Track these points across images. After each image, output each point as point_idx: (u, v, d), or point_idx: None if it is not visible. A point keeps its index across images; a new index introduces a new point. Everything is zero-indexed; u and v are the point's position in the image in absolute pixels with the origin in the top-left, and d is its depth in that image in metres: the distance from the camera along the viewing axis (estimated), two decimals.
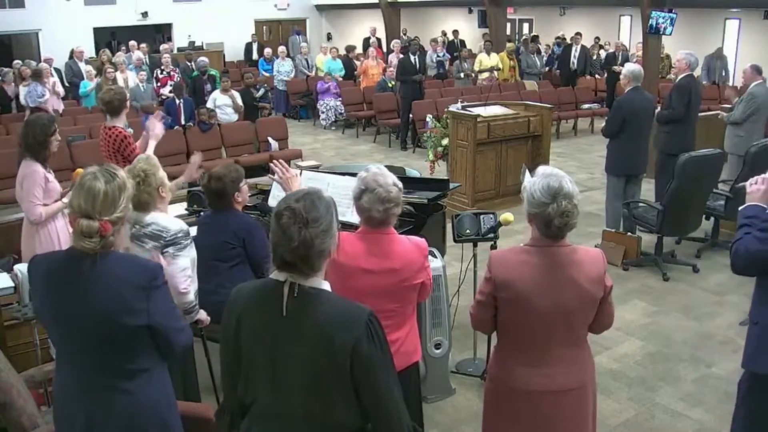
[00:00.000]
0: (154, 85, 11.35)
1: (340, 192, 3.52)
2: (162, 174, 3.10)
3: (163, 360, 2.27)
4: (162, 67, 11.44)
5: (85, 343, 2.12)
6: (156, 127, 4.73)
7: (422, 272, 2.60)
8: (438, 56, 13.56)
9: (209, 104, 9.38)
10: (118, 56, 12.44)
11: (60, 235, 4.08)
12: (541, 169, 2.34)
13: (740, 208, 2.77)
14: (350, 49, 14.82)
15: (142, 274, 2.13)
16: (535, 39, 14.97)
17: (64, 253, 2.17)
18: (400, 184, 2.58)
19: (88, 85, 11.11)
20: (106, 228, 2.05)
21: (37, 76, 10.04)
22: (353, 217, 2.69)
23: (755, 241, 2.58)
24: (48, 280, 2.14)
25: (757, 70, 7.06)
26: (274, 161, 3.08)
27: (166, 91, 10.86)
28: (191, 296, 3.10)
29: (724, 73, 13.32)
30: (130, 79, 10.74)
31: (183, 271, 3.03)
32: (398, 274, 2.54)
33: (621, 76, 6.12)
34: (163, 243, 2.99)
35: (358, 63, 14.23)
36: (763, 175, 2.76)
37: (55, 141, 4.11)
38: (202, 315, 3.21)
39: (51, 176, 4.10)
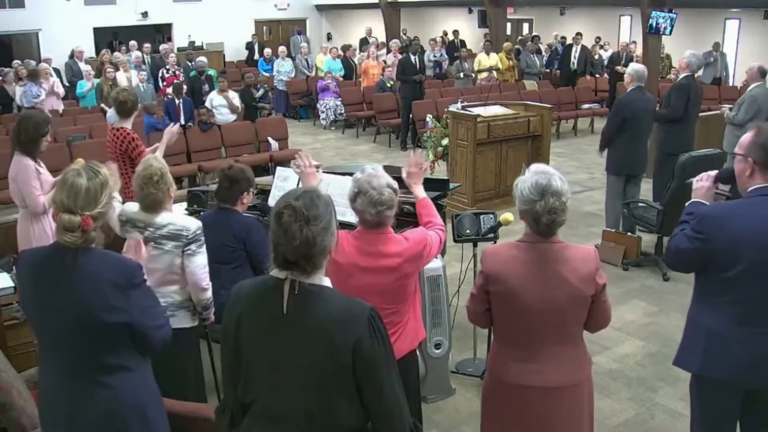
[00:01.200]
0: (161, 84, 11.34)
1: (340, 192, 3.51)
2: (170, 174, 3.14)
3: (144, 356, 2.30)
4: (167, 67, 11.43)
5: (67, 337, 2.16)
6: (173, 133, 4.91)
7: (422, 261, 2.67)
8: (434, 56, 13.53)
9: (207, 104, 9.39)
10: (117, 56, 12.43)
11: (53, 229, 4.13)
12: (533, 167, 2.36)
13: (686, 204, 2.77)
14: (346, 48, 14.80)
15: (121, 271, 2.17)
16: (536, 39, 14.96)
17: (48, 248, 2.22)
18: (395, 185, 2.59)
19: (85, 86, 11.03)
20: (87, 223, 2.10)
21: (33, 76, 10.00)
22: (353, 217, 2.70)
23: (684, 239, 2.58)
24: (33, 275, 2.19)
25: (761, 72, 7.07)
26: (299, 153, 3.11)
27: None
28: (210, 292, 3.16)
29: (724, 73, 13.32)
30: (133, 78, 10.73)
31: (204, 267, 3.10)
32: (395, 272, 2.57)
33: (625, 75, 6.11)
34: (185, 241, 3.03)
35: (356, 60, 14.22)
36: (708, 172, 2.77)
37: (45, 142, 4.20)
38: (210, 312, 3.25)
39: (42, 168, 4.19)
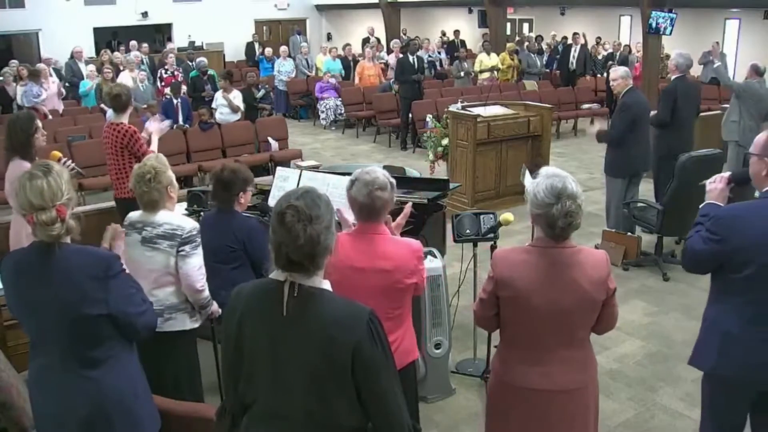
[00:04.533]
0: (159, 85, 11.34)
1: (340, 192, 3.51)
2: (171, 174, 3.12)
3: (130, 349, 2.35)
4: (166, 67, 11.44)
5: (51, 333, 2.22)
6: (153, 124, 5.05)
7: (415, 275, 2.62)
8: (429, 56, 13.49)
9: (214, 104, 9.41)
10: (116, 56, 12.39)
11: None
12: (545, 170, 2.34)
13: (700, 206, 2.78)
14: (344, 47, 14.76)
15: (97, 264, 2.22)
16: (538, 38, 14.92)
17: (28, 247, 2.28)
18: (392, 180, 2.62)
19: (87, 85, 11.08)
20: (62, 211, 2.18)
21: (34, 75, 10.01)
22: (352, 218, 2.71)
23: (700, 240, 2.59)
24: (15, 274, 2.25)
25: (755, 70, 7.08)
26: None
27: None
28: (207, 292, 3.16)
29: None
30: (137, 77, 10.73)
31: (199, 269, 3.08)
32: (390, 275, 2.56)
33: (618, 78, 5.97)
34: (179, 241, 3.02)
35: (357, 60, 14.20)
36: (721, 174, 2.79)
37: (40, 137, 4.23)
38: (214, 306, 3.25)
39: None
